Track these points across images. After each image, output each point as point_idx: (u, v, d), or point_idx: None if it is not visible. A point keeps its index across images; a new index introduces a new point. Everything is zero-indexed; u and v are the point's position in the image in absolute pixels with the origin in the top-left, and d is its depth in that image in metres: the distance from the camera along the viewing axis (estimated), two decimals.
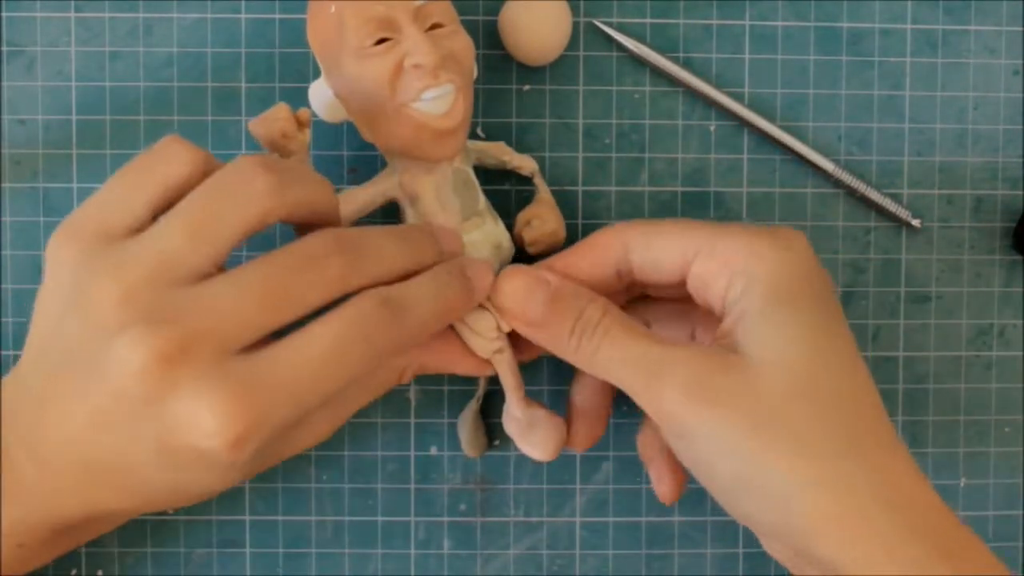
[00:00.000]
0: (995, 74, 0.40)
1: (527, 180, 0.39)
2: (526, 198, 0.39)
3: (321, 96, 0.34)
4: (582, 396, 0.37)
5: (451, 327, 0.35)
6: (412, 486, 0.40)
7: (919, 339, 0.41)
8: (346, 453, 0.40)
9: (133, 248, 0.29)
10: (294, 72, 0.39)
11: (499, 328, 0.34)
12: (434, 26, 0.33)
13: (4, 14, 0.39)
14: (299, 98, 0.36)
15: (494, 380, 0.37)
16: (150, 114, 0.39)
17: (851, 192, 0.40)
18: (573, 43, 0.39)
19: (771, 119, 0.40)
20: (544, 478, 0.40)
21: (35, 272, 0.39)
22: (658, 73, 0.39)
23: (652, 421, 0.33)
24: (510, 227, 0.37)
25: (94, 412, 0.29)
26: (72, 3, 0.39)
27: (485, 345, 0.35)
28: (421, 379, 0.39)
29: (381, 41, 0.32)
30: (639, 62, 0.39)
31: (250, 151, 0.38)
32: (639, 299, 0.37)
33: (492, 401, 0.39)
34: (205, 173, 0.31)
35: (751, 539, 0.38)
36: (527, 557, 0.40)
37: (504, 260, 0.36)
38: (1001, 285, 0.41)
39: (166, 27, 0.39)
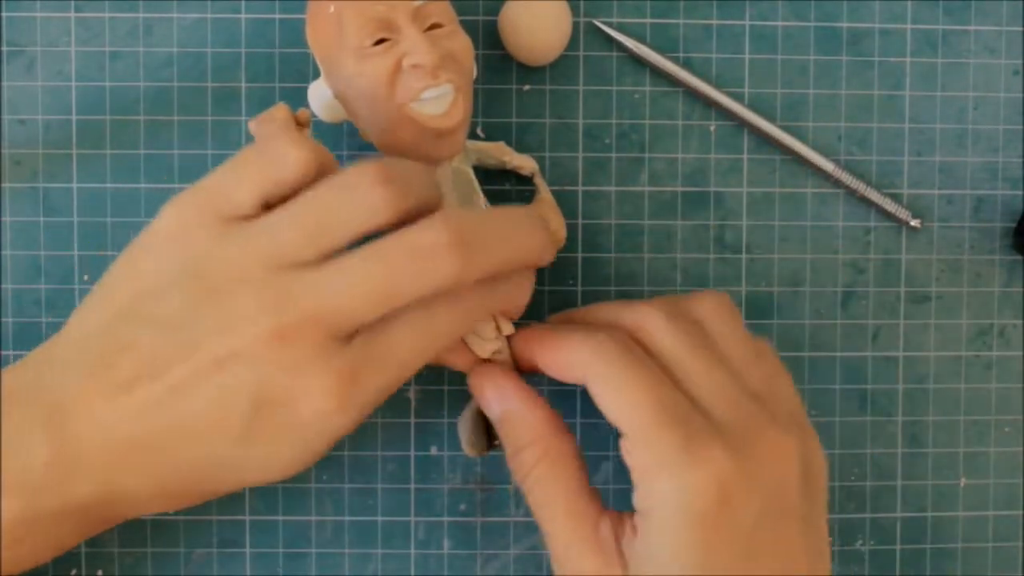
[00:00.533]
0: (995, 74, 0.40)
1: (527, 180, 0.39)
2: (526, 198, 0.39)
3: (320, 96, 0.34)
4: None
5: None
6: (412, 486, 0.40)
7: (919, 339, 0.41)
8: (346, 453, 0.40)
9: (251, 232, 0.30)
10: (294, 72, 0.39)
11: (498, 329, 0.34)
12: (433, 26, 0.33)
13: (4, 14, 0.39)
14: (299, 98, 0.36)
15: None
16: (150, 114, 0.39)
17: (851, 192, 0.40)
18: (573, 43, 0.39)
19: (771, 119, 0.40)
20: None
21: (35, 272, 0.39)
22: (658, 73, 0.39)
23: None
24: None
25: (188, 376, 0.29)
26: (72, 3, 0.39)
27: (484, 345, 0.35)
28: (421, 379, 0.39)
29: (380, 41, 0.32)
30: (639, 62, 0.39)
31: None
32: None
33: None
34: (320, 173, 0.31)
35: None
36: (527, 557, 0.40)
37: None
38: (1001, 285, 0.41)
39: (166, 27, 0.39)
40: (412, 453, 0.40)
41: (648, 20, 0.40)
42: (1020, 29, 0.40)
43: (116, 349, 0.30)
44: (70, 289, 0.39)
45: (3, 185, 0.39)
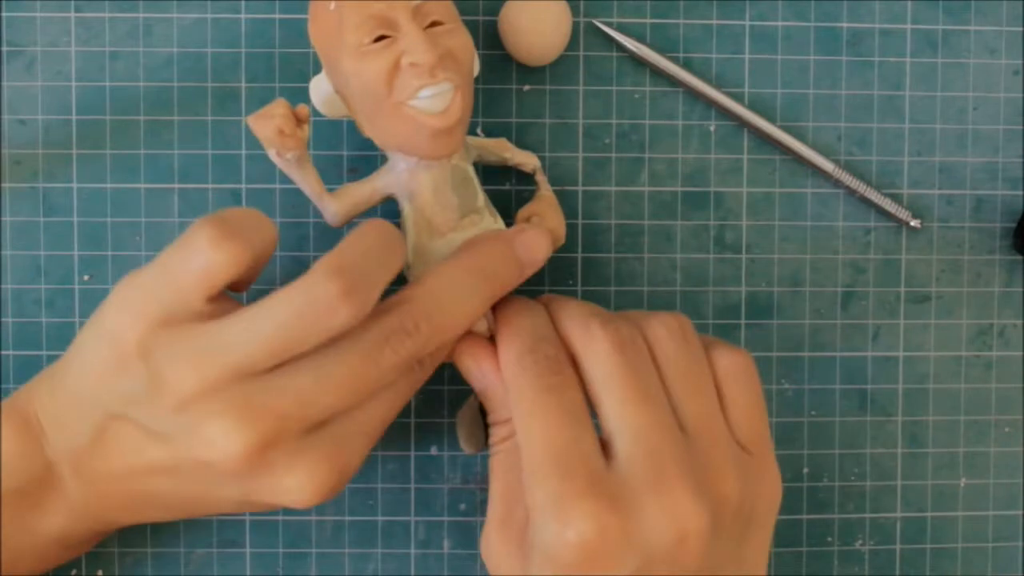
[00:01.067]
0: (995, 74, 0.40)
1: (528, 179, 0.39)
2: (527, 198, 0.39)
3: (321, 91, 0.34)
4: None
5: None
6: (412, 486, 0.40)
7: (919, 339, 0.41)
8: None
9: (209, 337, 0.30)
10: (294, 72, 0.39)
11: (490, 328, 0.34)
12: (433, 24, 0.33)
13: (4, 14, 0.39)
14: (299, 98, 0.36)
15: None
16: (150, 114, 0.39)
17: (851, 192, 0.40)
18: (573, 43, 0.39)
19: (771, 119, 0.40)
20: None
21: (35, 272, 0.39)
22: (658, 73, 0.39)
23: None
24: (510, 225, 0.37)
25: (167, 464, 0.31)
26: (72, 3, 0.39)
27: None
28: None
29: (380, 39, 0.32)
30: (639, 62, 0.39)
31: (250, 151, 0.39)
32: None
33: None
34: (256, 258, 0.31)
35: None
36: None
37: None
38: (1001, 285, 0.41)
39: (166, 27, 0.39)
40: (412, 453, 0.40)
41: (648, 20, 0.40)
42: (1020, 29, 0.40)
43: (99, 433, 0.32)
44: (70, 289, 0.39)
45: (3, 185, 0.39)
